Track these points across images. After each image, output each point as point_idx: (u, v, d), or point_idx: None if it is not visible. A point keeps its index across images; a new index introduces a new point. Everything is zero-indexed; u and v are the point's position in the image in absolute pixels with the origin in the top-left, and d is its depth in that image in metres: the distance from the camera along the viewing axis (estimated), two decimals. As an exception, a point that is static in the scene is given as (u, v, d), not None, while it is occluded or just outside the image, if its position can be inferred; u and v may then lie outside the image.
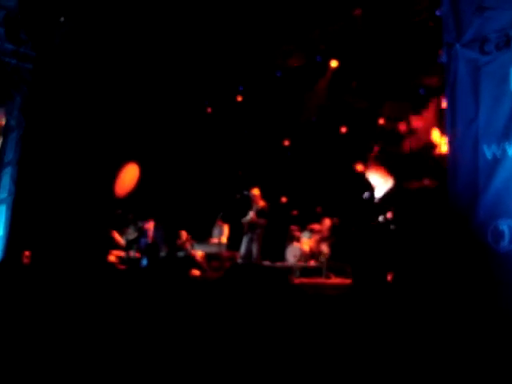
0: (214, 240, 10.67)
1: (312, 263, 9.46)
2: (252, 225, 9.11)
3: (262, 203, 9.24)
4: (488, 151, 4.13)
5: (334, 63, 10.62)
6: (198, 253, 10.29)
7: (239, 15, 9.21)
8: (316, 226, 10.37)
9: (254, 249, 9.03)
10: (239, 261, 9.30)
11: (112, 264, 8.78)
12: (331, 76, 11.06)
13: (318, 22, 9.69)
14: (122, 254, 10.00)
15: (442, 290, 4.32)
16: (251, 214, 9.15)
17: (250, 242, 9.10)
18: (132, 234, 10.29)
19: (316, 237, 10.05)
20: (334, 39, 10.00)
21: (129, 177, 11.20)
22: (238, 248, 9.50)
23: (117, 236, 10.10)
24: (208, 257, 10.28)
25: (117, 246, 10.06)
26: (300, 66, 11.08)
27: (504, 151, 4.06)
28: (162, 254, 10.24)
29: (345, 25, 9.60)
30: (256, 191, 9.37)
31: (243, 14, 9.17)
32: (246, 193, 9.39)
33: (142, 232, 10.25)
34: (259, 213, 9.13)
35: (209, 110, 12.75)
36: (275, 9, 9.04)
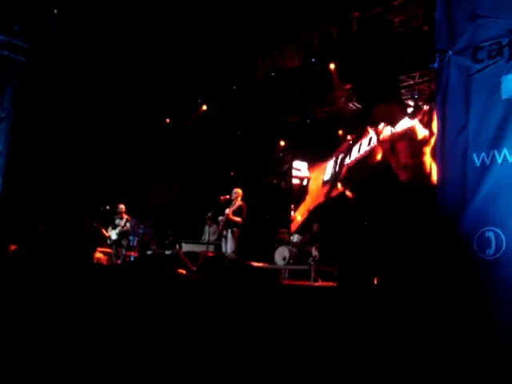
0: (204, 240, 10.59)
1: (300, 266, 9.43)
2: (227, 223, 8.93)
3: (240, 202, 9.10)
4: (477, 159, 4.12)
5: (332, 65, 10.59)
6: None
7: (236, 15, 9.19)
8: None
9: (229, 248, 8.83)
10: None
11: (97, 262, 8.69)
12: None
13: (314, 23, 9.71)
14: (109, 250, 9.88)
15: (427, 296, 4.31)
16: (227, 212, 8.97)
17: (225, 240, 8.90)
18: (120, 228, 10.06)
19: (305, 240, 10.03)
20: (330, 41, 10.00)
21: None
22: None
23: (104, 232, 9.92)
24: (193, 256, 10.17)
25: (104, 241, 9.87)
26: (295, 66, 11.09)
27: (493, 159, 4.05)
28: (149, 252, 10.18)
29: (340, 27, 9.63)
30: (239, 190, 9.23)
31: (240, 14, 9.14)
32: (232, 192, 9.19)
33: (134, 230, 9.99)
34: (236, 211, 8.95)
35: (202, 108, 12.72)
36: (272, 9, 9.02)
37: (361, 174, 10.28)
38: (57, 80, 9.22)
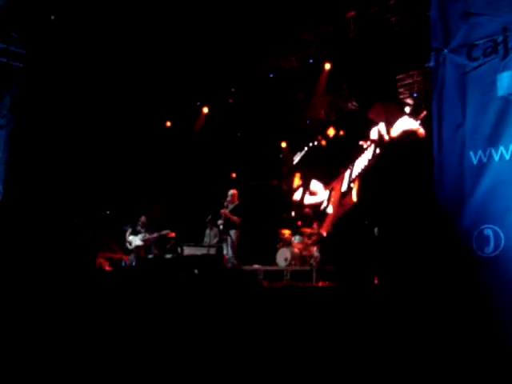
0: (206, 243, 10.57)
1: (303, 267, 9.40)
2: (225, 223, 8.72)
3: (236, 202, 8.91)
4: (474, 157, 4.12)
5: (327, 66, 10.59)
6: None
7: (233, 17, 9.20)
8: (307, 230, 10.34)
9: (230, 250, 8.61)
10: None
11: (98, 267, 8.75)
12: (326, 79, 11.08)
13: (311, 24, 9.72)
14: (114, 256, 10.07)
15: (427, 294, 4.31)
16: (222, 211, 8.76)
17: (226, 243, 8.69)
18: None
19: (307, 240, 10.01)
20: (327, 41, 10.01)
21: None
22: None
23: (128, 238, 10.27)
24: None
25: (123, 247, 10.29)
26: (293, 67, 11.10)
27: (490, 157, 4.05)
28: (151, 255, 10.22)
29: (337, 27, 9.64)
30: (234, 191, 9.13)
31: (237, 16, 9.15)
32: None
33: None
34: (233, 210, 8.77)
35: (204, 111, 12.73)
36: (269, 11, 9.03)
37: (372, 181, 10.06)
38: (56, 85, 9.24)
